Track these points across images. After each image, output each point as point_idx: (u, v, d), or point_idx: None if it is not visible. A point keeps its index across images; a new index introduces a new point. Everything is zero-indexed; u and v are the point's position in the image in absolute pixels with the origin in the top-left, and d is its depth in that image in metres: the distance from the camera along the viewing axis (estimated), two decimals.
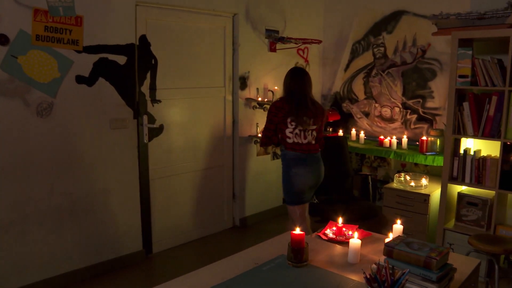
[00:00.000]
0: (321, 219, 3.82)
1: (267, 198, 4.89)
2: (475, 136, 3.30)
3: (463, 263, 2.03)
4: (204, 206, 4.34)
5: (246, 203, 4.68)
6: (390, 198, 3.98)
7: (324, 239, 2.38)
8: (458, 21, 3.39)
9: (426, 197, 3.74)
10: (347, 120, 5.15)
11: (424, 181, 3.93)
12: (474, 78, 3.27)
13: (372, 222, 3.87)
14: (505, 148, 3.18)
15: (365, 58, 4.94)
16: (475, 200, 3.39)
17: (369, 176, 4.17)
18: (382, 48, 4.77)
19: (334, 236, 2.41)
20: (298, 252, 1.94)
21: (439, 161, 3.95)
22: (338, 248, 2.23)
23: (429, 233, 3.78)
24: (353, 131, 4.92)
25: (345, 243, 2.37)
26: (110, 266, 3.56)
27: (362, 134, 4.75)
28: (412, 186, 3.91)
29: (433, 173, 4.36)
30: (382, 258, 1.87)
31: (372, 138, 4.88)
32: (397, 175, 4.15)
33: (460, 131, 3.38)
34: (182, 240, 4.16)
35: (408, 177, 4.07)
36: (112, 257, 3.57)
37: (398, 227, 2.31)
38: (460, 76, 3.29)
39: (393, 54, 4.67)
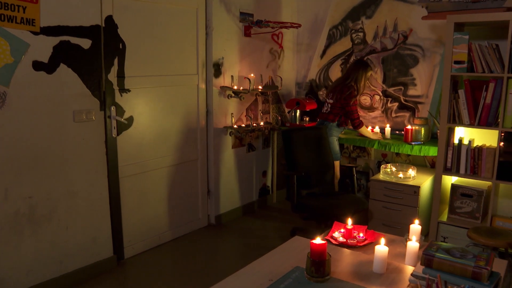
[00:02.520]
0: (308, 215, 3.58)
1: (242, 192, 4.61)
2: (471, 125, 3.16)
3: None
4: (177, 205, 3.99)
5: (221, 199, 4.37)
6: (377, 190, 3.80)
7: (335, 244, 2.14)
8: (451, 4, 3.22)
9: (416, 189, 3.58)
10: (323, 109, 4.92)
11: (411, 172, 3.78)
12: (470, 64, 3.11)
13: (359, 216, 3.69)
14: (504, 138, 3.05)
15: (343, 44, 4.72)
16: (470, 191, 3.27)
17: (354, 168, 3.96)
18: (361, 34, 4.56)
19: (344, 240, 2.17)
20: (320, 265, 1.67)
21: (426, 151, 3.80)
22: (357, 255, 1.98)
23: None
24: None
25: (357, 247, 2.14)
26: (78, 277, 3.15)
27: None
28: (400, 177, 3.75)
29: (415, 163, 4.23)
30: (417, 268, 1.64)
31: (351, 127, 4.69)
32: (383, 166, 3.97)
33: (455, 119, 3.22)
34: (156, 243, 3.80)
35: (394, 168, 3.90)
36: (79, 266, 3.16)
37: (416, 227, 2.10)
38: (456, 62, 3.12)
39: (372, 39, 4.48)
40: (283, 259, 1.87)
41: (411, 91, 4.29)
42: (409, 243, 1.92)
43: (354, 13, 4.57)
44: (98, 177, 3.23)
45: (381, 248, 1.78)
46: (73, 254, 3.13)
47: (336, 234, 2.22)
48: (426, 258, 1.59)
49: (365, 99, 4.61)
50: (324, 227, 3.66)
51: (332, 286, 1.66)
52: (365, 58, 4.51)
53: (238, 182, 4.54)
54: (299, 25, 4.42)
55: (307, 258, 1.69)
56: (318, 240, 1.68)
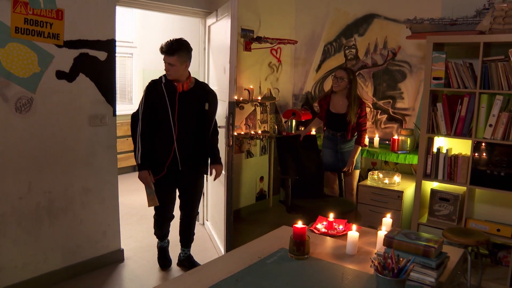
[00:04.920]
0: (302, 215, 3.89)
1: (241, 197, 4.93)
2: (448, 135, 3.49)
3: (450, 253, 2.15)
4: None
5: None
6: (365, 195, 4.12)
7: (317, 233, 2.46)
8: (431, 26, 3.57)
9: (399, 194, 3.90)
10: None
11: (396, 178, 4.10)
12: (447, 80, 3.45)
13: (348, 216, 4.00)
14: (475, 147, 3.38)
15: (337, 59, 5.08)
16: (447, 196, 3.59)
17: (342, 173, 4.30)
18: (353, 50, 4.92)
19: (326, 230, 2.49)
20: (300, 245, 1.99)
21: (410, 159, 4.13)
22: (334, 241, 2.31)
23: (403, 228, 3.94)
24: None
25: (337, 236, 2.46)
26: (89, 266, 3.47)
27: None
28: (386, 183, 4.07)
29: (402, 171, 4.55)
30: (380, 249, 1.96)
31: None
32: (370, 173, 4.31)
33: (434, 130, 3.56)
34: None
35: (381, 175, 4.23)
36: (90, 256, 3.49)
37: (387, 220, 2.41)
38: (434, 78, 3.47)
39: (364, 55, 4.84)
40: (271, 242, 2.21)
41: (399, 104, 4.64)
42: (379, 232, 2.24)
43: (348, 30, 4.94)
44: (110, 176, 3.57)
45: (353, 234, 2.11)
46: (85, 246, 3.45)
47: (319, 226, 2.55)
48: (387, 240, 1.92)
49: None
50: None
51: (310, 263, 1.98)
52: (356, 74, 4.85)
53: (237, 186, 4.87)
54: (295, 42, 4.78)
55: (290, 239, 2.02)
56: (299, 224, 2.01)
